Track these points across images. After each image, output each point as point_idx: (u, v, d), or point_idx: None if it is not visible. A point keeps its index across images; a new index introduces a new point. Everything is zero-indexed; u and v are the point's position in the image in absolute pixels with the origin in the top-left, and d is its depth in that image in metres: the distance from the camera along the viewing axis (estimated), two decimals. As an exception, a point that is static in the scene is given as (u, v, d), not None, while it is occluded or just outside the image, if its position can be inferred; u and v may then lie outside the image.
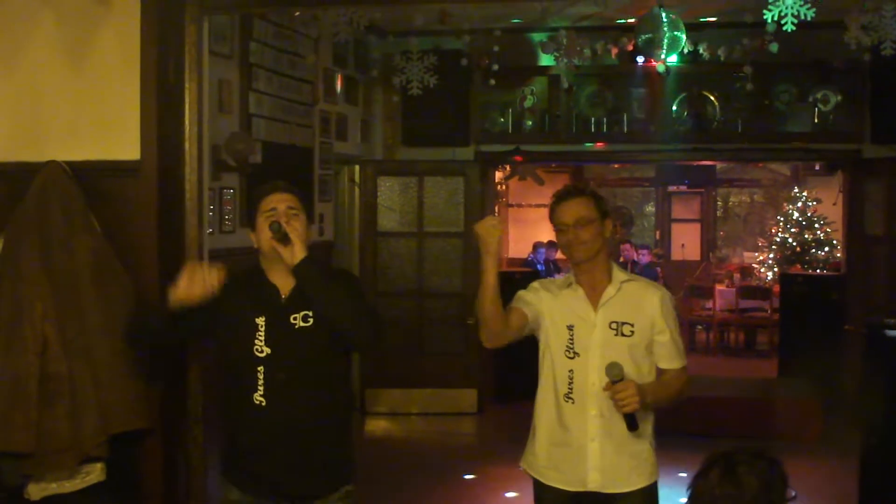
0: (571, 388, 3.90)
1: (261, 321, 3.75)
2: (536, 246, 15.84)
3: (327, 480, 3.83)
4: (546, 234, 17.19)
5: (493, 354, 10.06)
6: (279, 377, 3.72)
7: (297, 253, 3.72)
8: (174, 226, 4.66)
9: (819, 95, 10.20)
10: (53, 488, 4.33)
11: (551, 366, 3.97)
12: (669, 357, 3.98)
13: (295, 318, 3.78)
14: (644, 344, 3.93)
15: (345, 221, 10.14)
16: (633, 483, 3.94)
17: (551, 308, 3.97)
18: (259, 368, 3.72)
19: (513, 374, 9.61)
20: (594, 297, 3.94)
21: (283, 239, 3.70)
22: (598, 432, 3.89)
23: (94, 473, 4.38)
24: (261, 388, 3.72)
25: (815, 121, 10.21)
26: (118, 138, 4.59)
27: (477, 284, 3.87)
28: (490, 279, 3.81)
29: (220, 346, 3.90)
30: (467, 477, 7.91)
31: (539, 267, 15.08)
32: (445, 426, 9.64)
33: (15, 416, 4.19)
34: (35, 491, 4.33)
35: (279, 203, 3.81)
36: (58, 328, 4.24)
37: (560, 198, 3.96)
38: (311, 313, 3.77)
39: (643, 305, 3.94)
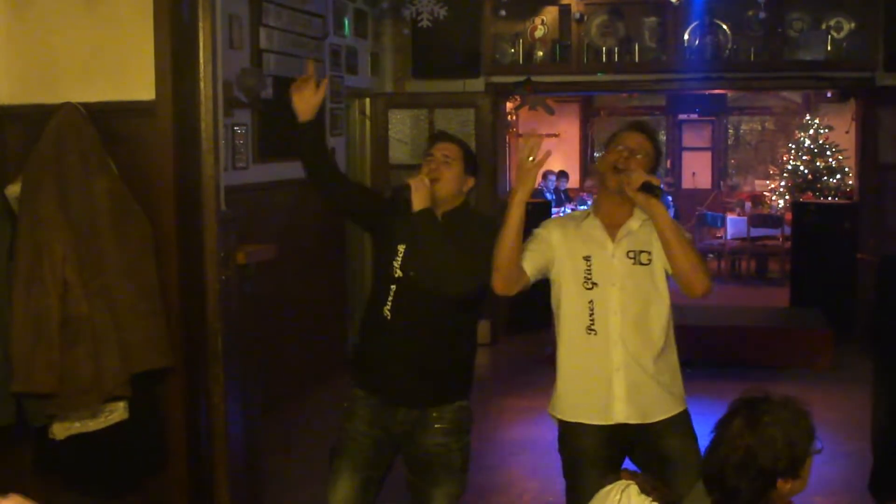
0: (593, 320, 3.87)
1: (402, 248, 4.09)
2: (546, 174, 15.84)
3: (439, 393, 4.10)
4: (556, 163, 17.19)
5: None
6: (406, 299, 4.05)
7: (420, 203, 4.03)
8: (190, 166, 4.65)
9: (832, 23, 10.14)
10: (77, 427, 4.39)
11: (569, 300, 3.93)
12: None
13: None
14: (662, 268, 3.88)
15: (356, 155, 10.12)
16: (660, 412, 3.89)
17: (566, 240, 3.94)
18: (392, 287, 4.07)
19: (526, 305, 9.67)
20: (612, 229, 3.93)
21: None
22: (622, 362, 3.84)
23: (118, 412, 4.43)
24: (389, 302, 4.06)
25: (829, 48, 10.14)
26: (133, 79, 4.56)
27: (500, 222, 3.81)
28: (516, 217, 3.73)
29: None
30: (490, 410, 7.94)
31: (549, 196, 15.09)
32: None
33: (37, 358, 4.23)
34: (59, 430, 4.39)
35: (437, 150, 4.19)
36: (78, 270, 4.26)
37: (628, 127, 4.07)
38: None
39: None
